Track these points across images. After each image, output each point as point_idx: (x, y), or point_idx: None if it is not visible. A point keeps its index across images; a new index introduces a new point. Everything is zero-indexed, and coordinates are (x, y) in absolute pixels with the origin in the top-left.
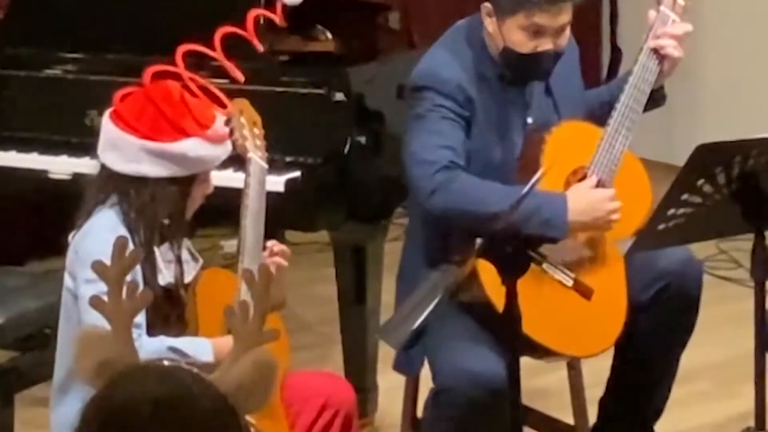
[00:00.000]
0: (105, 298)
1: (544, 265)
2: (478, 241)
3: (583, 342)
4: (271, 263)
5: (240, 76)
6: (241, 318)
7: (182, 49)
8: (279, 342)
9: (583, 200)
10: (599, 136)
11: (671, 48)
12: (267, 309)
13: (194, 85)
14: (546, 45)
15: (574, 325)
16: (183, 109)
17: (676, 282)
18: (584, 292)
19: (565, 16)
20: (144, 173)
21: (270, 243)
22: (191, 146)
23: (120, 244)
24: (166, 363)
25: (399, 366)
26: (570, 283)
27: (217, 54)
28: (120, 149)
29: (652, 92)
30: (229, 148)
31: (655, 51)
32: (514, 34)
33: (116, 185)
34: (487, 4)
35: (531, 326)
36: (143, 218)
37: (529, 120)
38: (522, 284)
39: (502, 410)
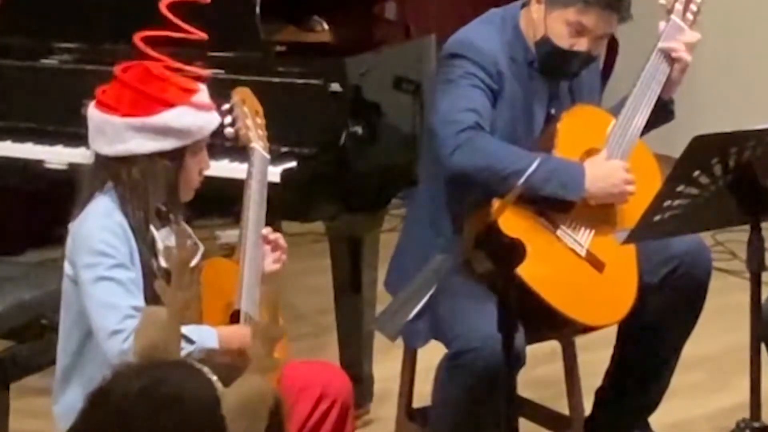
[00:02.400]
0: (106, 283)
1: (558, 232)
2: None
3: (593, 311)
4: (276, 260)
5: (203, 35)
6: (262, 340)
7: (138, 36)
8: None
9: (601, 169)
10: (610, 121)
11: (682, 52)
12: (275, 336)
13: (169, 65)
14: (582, 46)
15: (585, 293)
16: (162, 82)
17: (685, 266)
18: (596, 263)
19: (611, 27)
20: (131, 151)
21: (265, 231)
22: (174, 116)
23: (183, 235)
24: (197, 365)
25: (406, 339)
26: (583, 252)
27: (171, 29)
28: (105, 132)
29: (662, 103)
30: (216, 119)
31: (665, 53)
32: (557, 26)
33: (108, 169)
34: None
35: (541, 284)
36: (137, 198)
37: (552, 111)
38: (537, 246)
39: (515, 376)
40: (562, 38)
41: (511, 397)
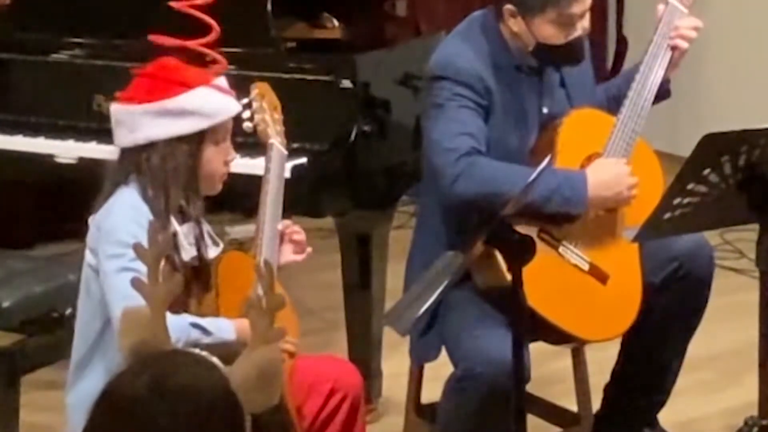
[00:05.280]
0: (129, 274)
1: (561, 249)
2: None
3: (599, 326)
4: (294, 249)
5: (222, 59)
6: (258, 312)
7: (154, 38)
8: (291, 330)
9: (603, 174)
10: (612, 123)
11: (680, 40)
12: (275, 304)
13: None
14: (577, 31)
15: (590, 308)
16: (180, 68)
17: (688, 264)
18: (600, 276)
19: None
20: (149, 137)
21: (283, 225)
22: (191, 97)
23: (154, 228)
24: (194, 351)
25: (416, 354)
26: (586, 267)
27: (189, 43)
28: (124, 123)
29: (660, 85)
30: (235, 106)
31: (665, 43)
32: (545, 30)
33: (129, 160)
34: (510, 6)
35: (547, 306)
36: (158, 185)
37: (545, 110)
38: (539, 266)
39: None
40: (556, 37)
41: (521, 412)
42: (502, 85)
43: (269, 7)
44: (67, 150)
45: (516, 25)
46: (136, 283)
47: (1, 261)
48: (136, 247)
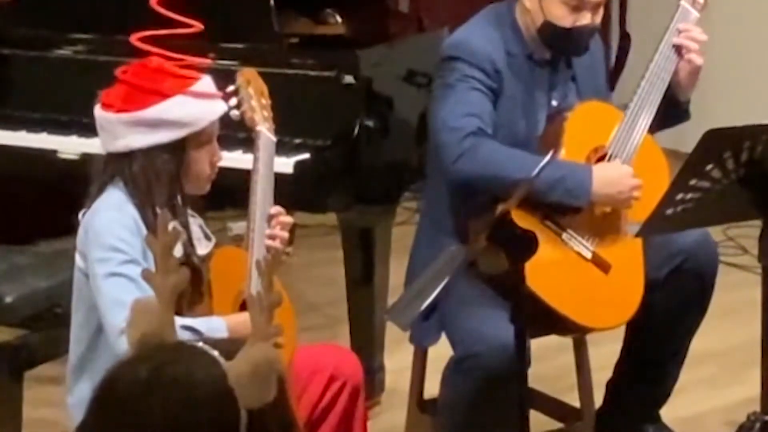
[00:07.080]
0: (117, 279)
1: (564, 236)
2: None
3: (599, 314)
4: (270, 235)
5: (198, 26)
6: (257, 308)
7: (135, 37)
8: (288, 323)
9: (608, 174)
10: (619, 117)
11: (694, 54)
12: (273, 301)
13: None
14: (584, 20)
15: (591, 296)
16: (157, 75)
17: (692, 260)
18: (602, 265)
19: None
20: (128, 146)
21: (274, 210)
22: (165, 108)
23: (163, 220)
24: (197, 344)
25: (415, 339)
26: (589, 255)
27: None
28: (105, 129)
29: (678, 104)
30: (219, 108)
31: (677, 48)
32: (555, 9)
33: (112, 166)
34: None
35: (548, 292)
36: (141, 193)
37: (554, 102)
38: (542, 251)
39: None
40: (564, 18)
41: (523, 397)
42: (513, 72)
43: (272, 2)
44: (70, 145)
45: (530, 1)
46: (145, 275)
47: (4, 256)
48: (147, 238)
